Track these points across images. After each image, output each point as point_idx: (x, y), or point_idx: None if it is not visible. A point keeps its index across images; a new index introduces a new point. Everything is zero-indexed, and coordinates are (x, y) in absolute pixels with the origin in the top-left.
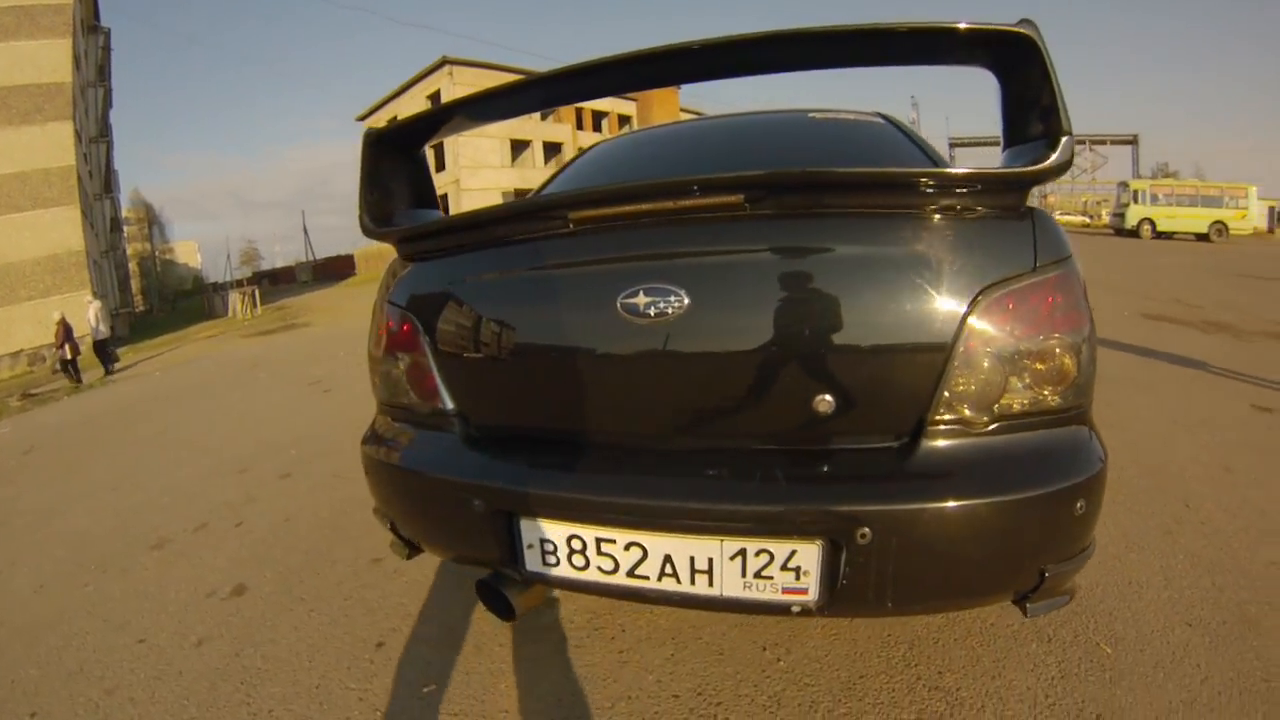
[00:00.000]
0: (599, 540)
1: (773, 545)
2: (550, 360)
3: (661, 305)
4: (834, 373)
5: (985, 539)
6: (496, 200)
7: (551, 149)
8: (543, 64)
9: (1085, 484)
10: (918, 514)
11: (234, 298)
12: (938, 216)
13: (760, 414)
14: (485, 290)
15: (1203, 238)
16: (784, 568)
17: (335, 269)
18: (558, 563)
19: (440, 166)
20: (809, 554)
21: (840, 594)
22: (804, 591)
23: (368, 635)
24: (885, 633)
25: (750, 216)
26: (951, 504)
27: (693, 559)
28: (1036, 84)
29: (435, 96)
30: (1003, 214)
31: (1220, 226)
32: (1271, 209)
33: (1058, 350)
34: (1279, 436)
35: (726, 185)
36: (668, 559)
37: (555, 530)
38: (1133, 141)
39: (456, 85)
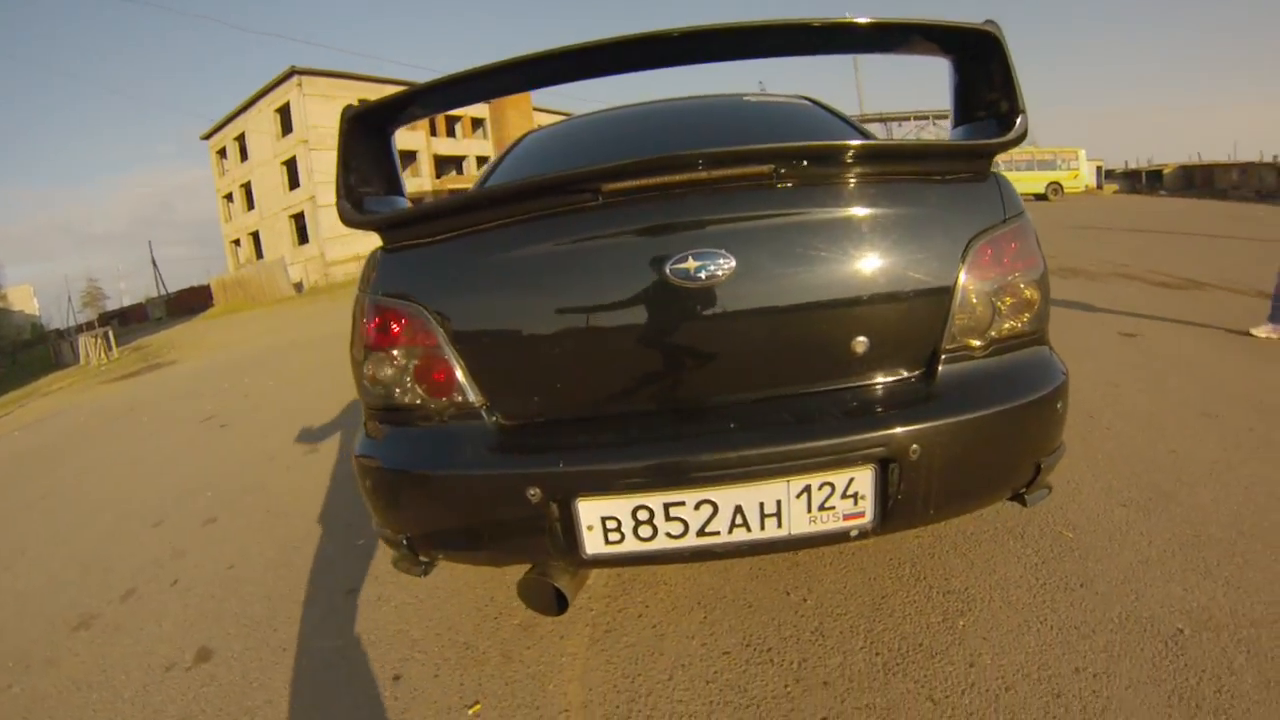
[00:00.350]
0: (667, 505)
1: (833, 476)
2: (596, 334)
3: (711, 268)
4: (866, 318)
5: (999, 441)
6: None
7: (407, 157)
8: (403, 72)
9: (1060, 388)
10: (953, 426)
11: (84, 342)
12: (931, 180)
13: (808, 359)
14: (511, 270)
15: (1041, 198)
16: (844, 495)
17: (190, 302)
18: (622, 539)
19: (294, 184)
20: (864, 479)
21: (892, 511)
22: (861, 515)
23: (378, 671)
24: (888, 558)
25: (778, 184)
26: (975, 414)
27: (762, 505)
28: (998, 72)
29: (284, 109)
30: (976, 177)
31: (1056, 186)
32: (1099, 168)
33: (1023, 285)
34: (1146, 355)
35: (755, 156)
36: (738, 510)
37: (619, 506)
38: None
39: (307, 96)
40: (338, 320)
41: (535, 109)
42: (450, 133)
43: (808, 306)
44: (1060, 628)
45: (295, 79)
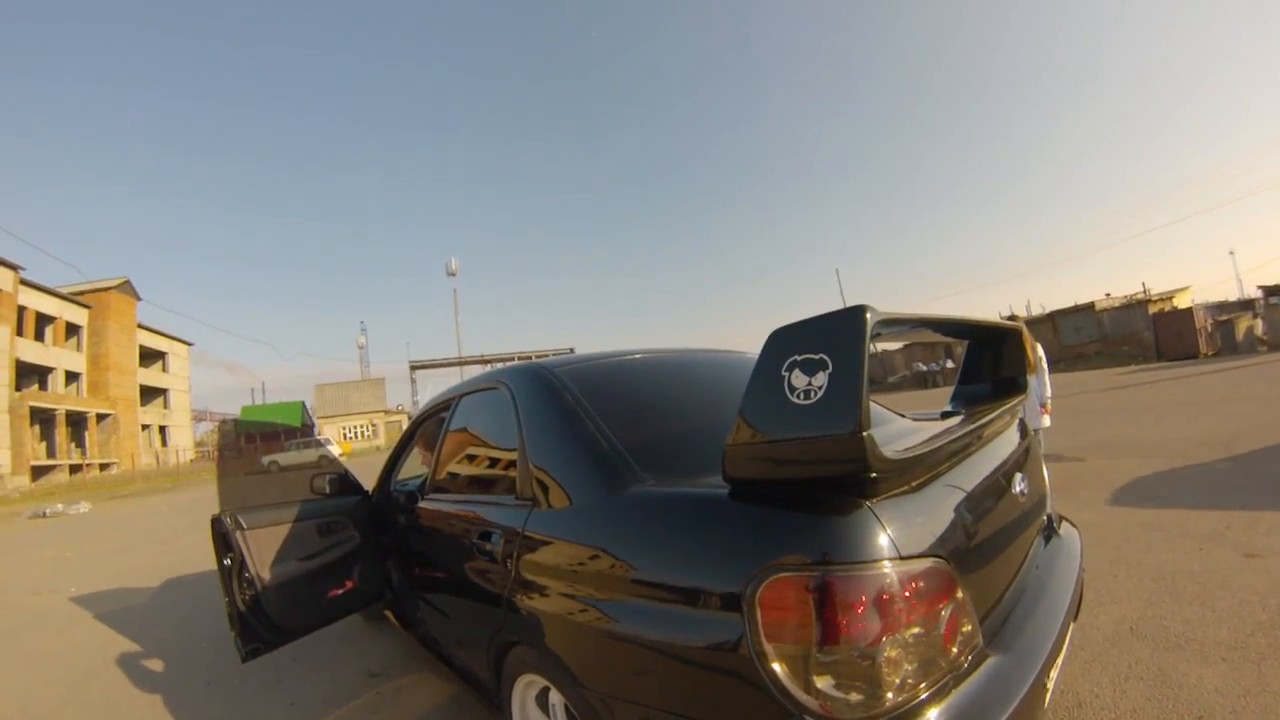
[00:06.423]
0: None
1: None
2: (999, 536)
3: (1024, 486)
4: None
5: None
6: None
7: None
8: None
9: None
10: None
11: None
12: None
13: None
14: (968, 501)
15: None
16: None
17: None
18: None
19: None
20: None
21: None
22: None
23: None
24: None
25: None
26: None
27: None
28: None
29: None
30: None
31: None
32: None
33: None
34: None
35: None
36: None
37: None
38: (571, 350)
39: None
40: None
41: (139, 326)
42: (39, 335)
43: (1039, 498)
44: None
45: None
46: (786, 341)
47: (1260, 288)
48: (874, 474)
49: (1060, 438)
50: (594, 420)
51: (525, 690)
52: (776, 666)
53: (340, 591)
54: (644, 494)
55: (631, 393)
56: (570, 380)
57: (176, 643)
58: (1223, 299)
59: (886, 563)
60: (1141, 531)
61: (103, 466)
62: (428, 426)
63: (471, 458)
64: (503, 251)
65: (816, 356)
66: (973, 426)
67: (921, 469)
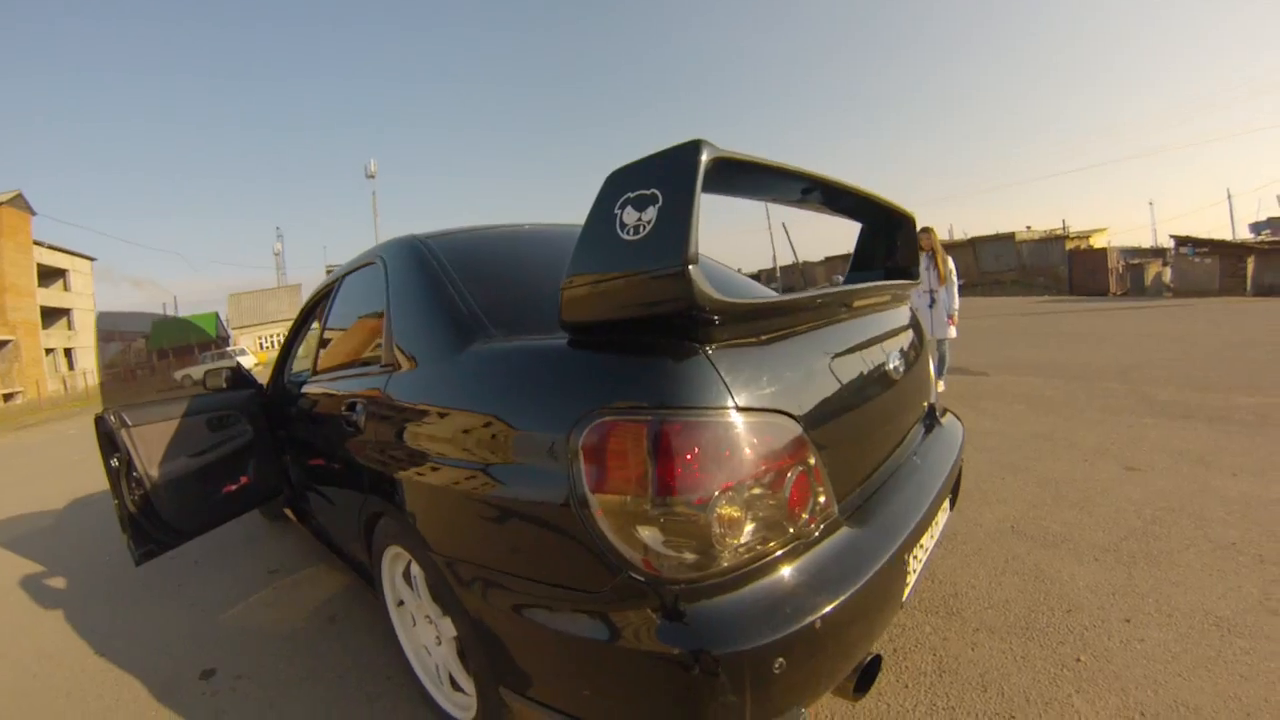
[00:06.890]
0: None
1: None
2: (866, 412)
3: (900, 365)
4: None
5: None
6: None
7: None
8: None
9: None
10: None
11: None
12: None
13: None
14: (829, 368)
15: None
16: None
17: None
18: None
19: None
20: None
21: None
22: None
23: None
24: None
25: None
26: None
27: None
28: (908, 239)
29: None
30: None
31: None
32: None
33: None
34: None
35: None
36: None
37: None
38: None
39: None
40: None
41: (36, 243)
42: None
43: (919, 384)
44: None
45: None
46: (622, 180)
47: (1172, 237)
48: (705, 314)
49: (968, 354)
50: (454, 284)
51: (393, 564)
52: (600, 518)
53: (235, 488)
54: (487, 349)
55: (497, 259)
56: (439, 249)
57: (80, 561)
58: (1137, 244)
59: (725, 411)
60: (1033, 441)
61: (6, 397)
62: (317, 312)
63: (351, 336)
64: (432, 152)
65: (649, 192)
66: (833, 291)
67: (771, 325)
